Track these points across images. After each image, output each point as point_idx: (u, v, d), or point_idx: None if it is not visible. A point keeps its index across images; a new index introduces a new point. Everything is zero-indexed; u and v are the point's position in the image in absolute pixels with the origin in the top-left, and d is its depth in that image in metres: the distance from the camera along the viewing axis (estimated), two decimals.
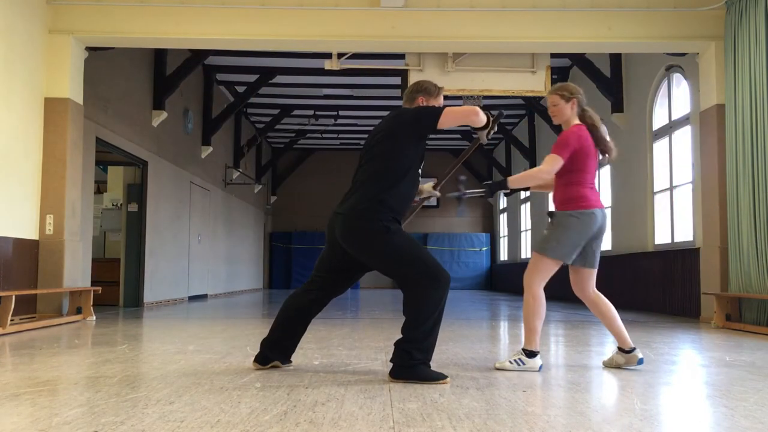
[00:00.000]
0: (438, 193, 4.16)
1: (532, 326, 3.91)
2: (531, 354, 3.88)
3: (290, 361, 3.91)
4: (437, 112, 3.56)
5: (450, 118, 3.55)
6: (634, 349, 3.93)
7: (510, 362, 3.89)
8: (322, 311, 3.85)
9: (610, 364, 4.00)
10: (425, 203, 4.53)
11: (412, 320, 3.45)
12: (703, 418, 2.79)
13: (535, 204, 16.62)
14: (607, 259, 11.44)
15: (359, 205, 3.55)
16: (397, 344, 3.45)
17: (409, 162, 3.59)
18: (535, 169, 3.96)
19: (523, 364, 3.85)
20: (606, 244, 11.74)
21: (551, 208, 4.06)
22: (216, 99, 14.31)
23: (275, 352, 3.81)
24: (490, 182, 4.01)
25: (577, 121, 4.02)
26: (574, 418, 2.63)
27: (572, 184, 3.92)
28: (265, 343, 3.82)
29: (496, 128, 3.79)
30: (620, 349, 3.97)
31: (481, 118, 3.62)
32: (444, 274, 3.49)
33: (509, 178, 3.99)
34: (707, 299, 7.56)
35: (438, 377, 3.39)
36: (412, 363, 3.37)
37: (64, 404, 2.84)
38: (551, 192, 4.13)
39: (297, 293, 3.82)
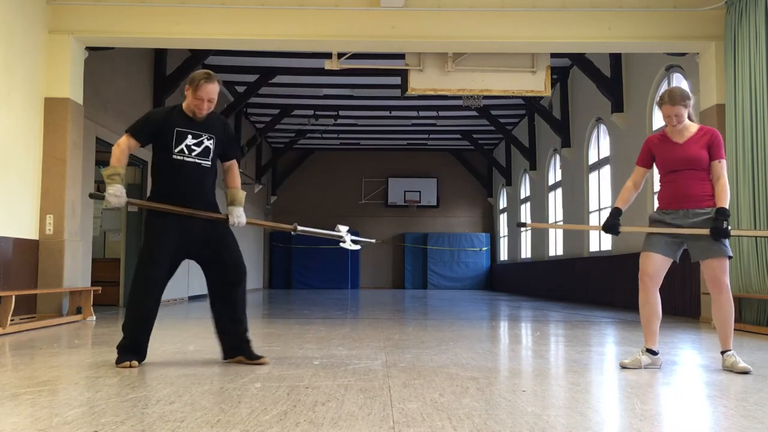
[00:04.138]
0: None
1: (730, 326, 3.95)
2: (726, 351, 3.94)
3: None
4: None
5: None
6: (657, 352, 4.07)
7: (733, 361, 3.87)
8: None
9: (635, 365, 3.98)
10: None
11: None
12: (702, 417, 2.79)
13: (535, 204, 16.62)
14: (607, 259, 11.46)
15: None
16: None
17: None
18: (726, 184, 3.97)
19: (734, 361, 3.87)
20: (606, 243, 11.75)
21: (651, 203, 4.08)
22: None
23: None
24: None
25: (689, 122, 4.07)
26: (574, 418, 2.63)
27: (708, 179, 4.00)
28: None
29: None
30: (649, 351, 4.02)
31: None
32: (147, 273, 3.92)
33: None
34: (707, 299, 7.55)
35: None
36: None
37: (64, 404, 2.84)
38: (631, 196, 4.18)
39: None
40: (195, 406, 2.78)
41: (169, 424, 2.44)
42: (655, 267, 4.03)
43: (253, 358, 4.01)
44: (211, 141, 4.04)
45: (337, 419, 2.55)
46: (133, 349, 3.89)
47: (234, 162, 4.26)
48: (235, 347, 4.06)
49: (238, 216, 4.13)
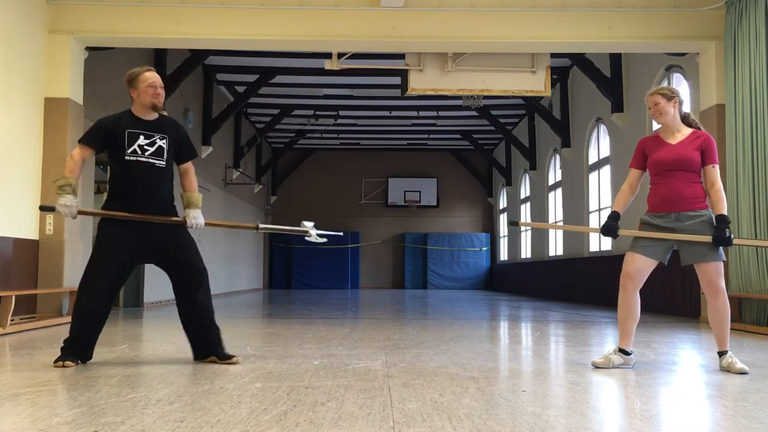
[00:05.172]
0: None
1: (728, 328, 3.93)
2: (723, 352, 3.93)
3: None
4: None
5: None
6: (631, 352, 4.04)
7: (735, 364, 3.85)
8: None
9: (605, 365, 3.97)
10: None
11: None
12: (703, 418, 2.79)
13: (535, 204, 16.62)
14: (607, 259, 11.45)
15: None
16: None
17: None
18: (722, 189, 3.95)
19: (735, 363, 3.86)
20: (606, 244, 11.74)
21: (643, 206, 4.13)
22: (216, 99, 14.31)
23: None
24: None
25: (680, 122, 4.07)
26: (574, 418, 2.63)
27: (699, 182, 3.98)
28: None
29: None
30: (622, 350, 4.00)
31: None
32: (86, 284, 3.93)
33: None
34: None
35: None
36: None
37: (64, 404, 2.84)
38: (628, 197, 4.18)
39: None
40: (195, 406, 2.78)
41: (169, 424, 2.44)
42: (637, 268, 4.00)
43: (224, 358, 4.02)
44: (164, 141, 4.06)
45: (337, 419, 2.55)
46: (73, 350, 3.91)
47: (190, 165, 4.27)
48: (206, 348, 4.07)
49: (195, 218, 4.13)
